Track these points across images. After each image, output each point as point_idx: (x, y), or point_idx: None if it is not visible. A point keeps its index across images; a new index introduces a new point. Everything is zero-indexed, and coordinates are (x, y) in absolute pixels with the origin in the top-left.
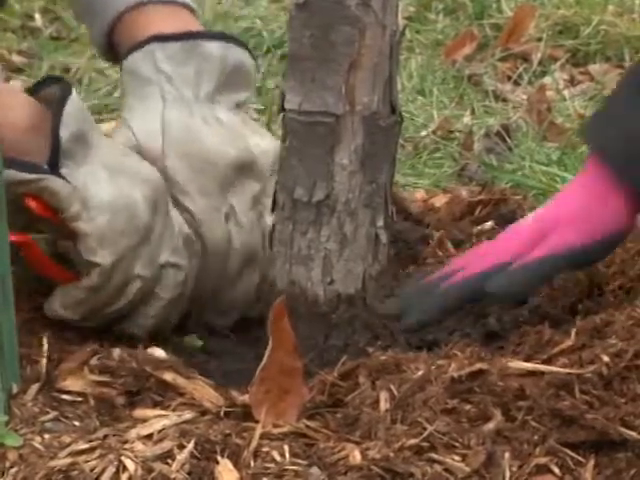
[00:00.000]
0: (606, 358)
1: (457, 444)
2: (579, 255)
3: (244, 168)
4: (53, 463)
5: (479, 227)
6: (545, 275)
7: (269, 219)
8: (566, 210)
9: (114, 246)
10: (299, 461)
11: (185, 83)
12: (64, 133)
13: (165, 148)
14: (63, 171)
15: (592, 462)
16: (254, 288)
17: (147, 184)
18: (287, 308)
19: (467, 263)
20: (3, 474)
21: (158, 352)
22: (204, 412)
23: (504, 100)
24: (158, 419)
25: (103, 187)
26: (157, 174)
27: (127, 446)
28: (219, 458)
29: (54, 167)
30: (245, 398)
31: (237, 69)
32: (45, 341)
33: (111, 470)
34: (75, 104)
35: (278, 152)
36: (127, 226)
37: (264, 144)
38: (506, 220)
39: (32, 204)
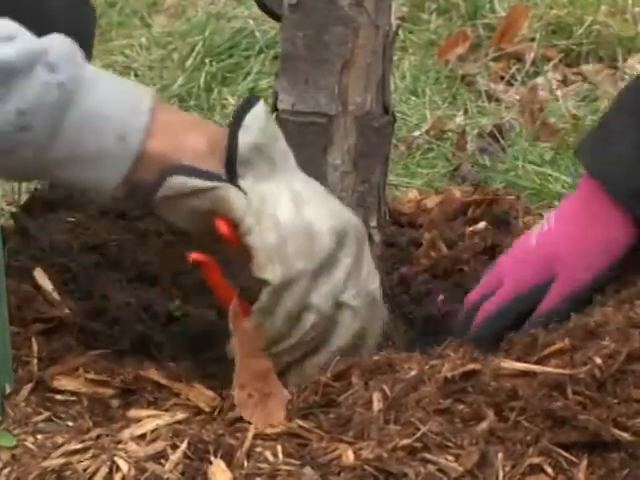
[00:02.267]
0: (599, 360)
1: (450, 444)
2: (590, 288)
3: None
4: (46, 463)
5: (472, 227)
6: (563, 317)
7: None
8: (572, 242)
9: (286, 266)
10: (292, 461)
11: None
12: (242, 140)
13: None
14: (241, 183)
15: (585, 462)
16: None
17: (336, 218)
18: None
19: (492, 286)
20: None
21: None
22: (197, 412)
23: (497, 100)
24: (151, 419)
25: (282, 207)
26: (350, 213)
27: (120, 446)
28: (212, 458)
29: (232, 178)
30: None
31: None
32: (34, 342)
33: (104, 470)
34: (260, 118)
35: None
36: (304, 249)
37: None
38: (499, 220)
39: (222, 227)
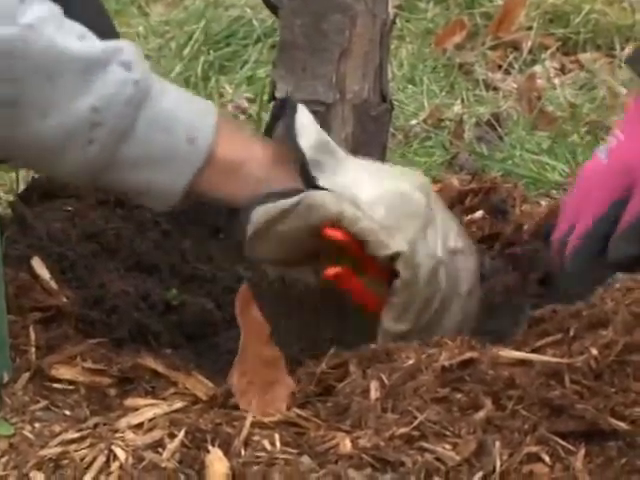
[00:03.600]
0: (595, 351)
1: (448, 433)
2: None
3: None
4: (44, 452)
5: (469, 216)
6: None
7: None
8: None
9: (404, 231)
10: (290, 450)
11: None
12: (304, 143)
13: None
14: (320, 183)
15: (583, 451)
16: None
17: (412, 176)
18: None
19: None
20: None
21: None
22: (195, 401)
23: (494, 89)
24: (149, 408)
25: (366, 185)
26: (417, 172)
27: (118, 435)
28: (210, 447)
29: (309, 184)
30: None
31: None
32: (32, 330)
33: (101, 459)
34: (307, 115)
35: None
36: (409, 210)
37: None
38: (496, 209)
39: (333, 233)
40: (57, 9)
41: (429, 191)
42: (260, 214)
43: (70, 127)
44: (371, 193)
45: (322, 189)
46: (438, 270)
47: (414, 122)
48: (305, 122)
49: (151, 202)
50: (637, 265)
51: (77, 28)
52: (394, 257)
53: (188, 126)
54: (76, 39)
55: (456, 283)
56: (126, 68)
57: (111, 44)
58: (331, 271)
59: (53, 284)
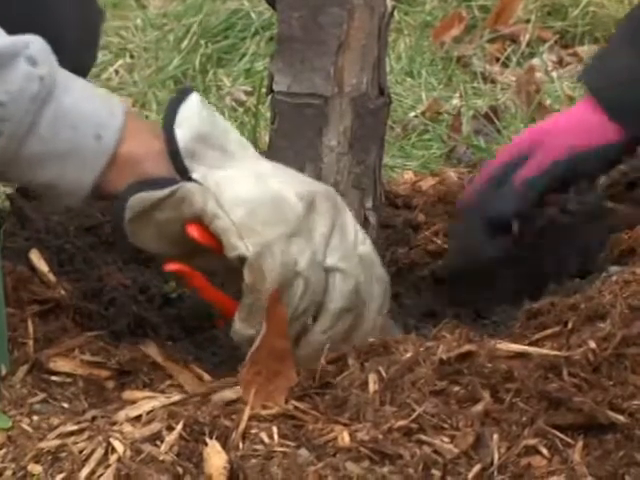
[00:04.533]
0: (593, 344)
1: (446, 425)
2: (566, 162)
3: None
4: (42, 445)
5: None
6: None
7: None
8: (554, 124)
9: (257, 236)
10: (288, 443)
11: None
12: (182, 133)
13: None
14: (194, 176)
15: (581, 443)
16: None
17: (303, 185)
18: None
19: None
20: None
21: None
22: (193, 394)
23: (492, 82)
24: (147, 401)
25: (243, 184)
26: (323, 185)
27: (116, 428)
28: (208, 440)
29: (183, 175)
30: (234, 380)
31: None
32: (30, 323)
33: (100, 452)
34: (195, 107)
35: None
36: (272, 216)
37: None
38: None
39: (192, 231)
40: None
41: (324, 204)
42: (135, 202)
43: None
44: (238, 193)
45: (195, 182)
46: (293, 282)
47: (412, 115)
48: (190, 113)
49: (60, 198)
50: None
51: None
52: (242, 260)
53: (95, 122)
54: None
55: (324, 299)
56: (32, 63)
57: (18, 38)
58: (170, 266)
59: (51, 277)
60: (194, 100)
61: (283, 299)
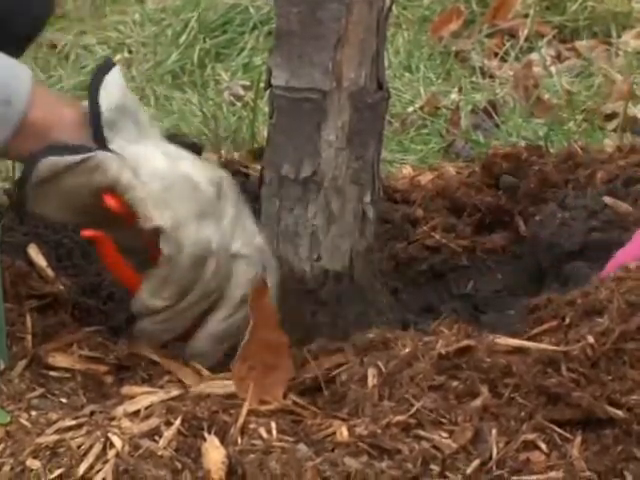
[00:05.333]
0: (591, 339)
1: (444, 420)
2: None
3: None
4: (40, 440)
5: None
6: None
7: None
8: None
9: (173, 210)
10: (286, 438)
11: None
12: (105, 102)
13: None
14: (112, 146)
15: (579, 438)
16: None
17: (211, 171)
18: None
19: None
20: None
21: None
22: (191, 389)
23: (491, 76)
24: (145, 396)
25: (158, 160)
26: (223, 172)
27: (114, 423)
28: (206, 435)
29: (102, 144)
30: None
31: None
32: (29, 318)
33: (98, 447)
34: (118, 79)
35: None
36: (187, 193)
37: None
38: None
39: (110, 201)
40: None
41: (230, 191)
42: (46, 166)
43: None
44: (155, 168)
45: (112, 152)
46: (206, 260)
47: (410, 110)
48: (112, 85)
49: None
50: None
51: None
52: (158, 232)
53: (3, 88)
54: None
55: (228, 285)
56: None
57: None
58: (86, 232)
59: (50, 272)
60: (116, 73)
61: (195, 277)
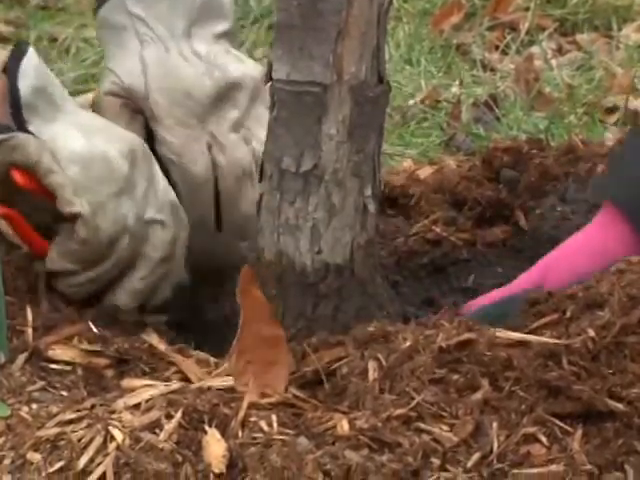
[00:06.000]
0: (592, 332)
1: (445, 414)
2: None
3: (222, 97)
4: (41, 433)
5: None
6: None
7: (257, 145)
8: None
9: (91, 194)
10: (287, 431)
11: (159, 22)
12: (22, 85)
13: (147, 86)
14: (30, 128)
15: (580, 432)
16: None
17: (123, 141)
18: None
19: None
20: None
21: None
22: (192, 382)
23: (492, 70)
24: (146, 389)
25: (74, 140)
26: (133, 135)
27: (115, 416)
28: (207, 428)
29: (21, 126)
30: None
31: (209, 1)
32: (29, 311)
33: (99, 440)
34: (33, 60)
35: (260, 76)
36: (104, 174)
37: (244, 68)
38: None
39: (17, 176)
40: None
41: (142, 157)
42: None
43: None
44: (73, 149)
45: (30, 134)
46: (120, 237)
47: (411, 103)
48: (29, 66)
49: None
50: None
51: None
52: (75, 216)
53: None
54: None
55: (144, 248)
56: None
57: None
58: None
59: None
60: (32, 55)
61: (109, 253)
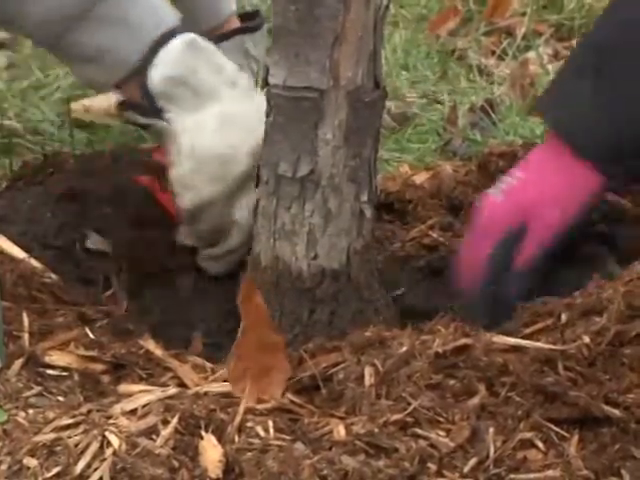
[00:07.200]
0: (587, 338)
1: (441, 419)
2: (563, 233)
3: None
4: (37, 438)
5: None
6: (540, 268)
7: None
8: (538, 189)
9: (196, 192)
10: (283, 436)
11: None
12: (157, 75)
13: None
14: (167, 115)
15: (576, 437)
16: None
17: (253, 135)
18: (262, 284)
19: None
20: None
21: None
22: (188, 387)
23: (488, 75)
24: (142, 394)
25: (204, 135)
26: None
27: (111, 421)
28: (203, 433)
29: (158, 113)
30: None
31: None
32: (25, 316)
33: (95, 445)
34: (173, 52)
35: None
36: (217, 174)
37: None
38: None
39: (157, 156)
40: None
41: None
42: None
43: None
44: (194, 145)
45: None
46: (229, 230)
47: (408, 108)
48: (167, 56)
49: (98, 72)
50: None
51: None
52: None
53: (158, 16)
54: None
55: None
56: None
57: None
58: (143, 179)
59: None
60: (175, 45)
61: (217, 238)
